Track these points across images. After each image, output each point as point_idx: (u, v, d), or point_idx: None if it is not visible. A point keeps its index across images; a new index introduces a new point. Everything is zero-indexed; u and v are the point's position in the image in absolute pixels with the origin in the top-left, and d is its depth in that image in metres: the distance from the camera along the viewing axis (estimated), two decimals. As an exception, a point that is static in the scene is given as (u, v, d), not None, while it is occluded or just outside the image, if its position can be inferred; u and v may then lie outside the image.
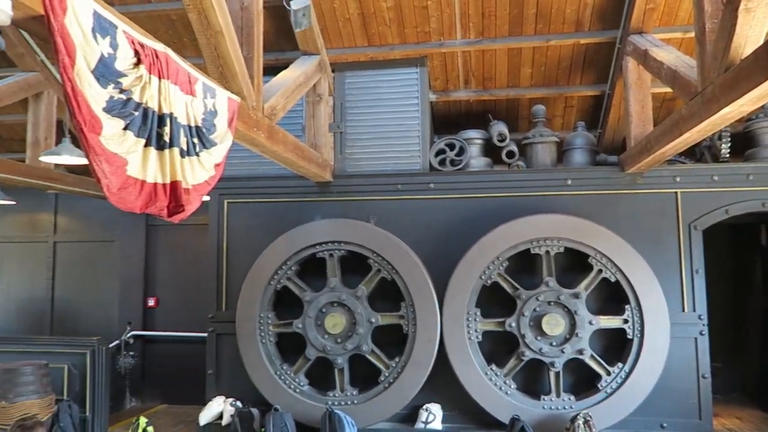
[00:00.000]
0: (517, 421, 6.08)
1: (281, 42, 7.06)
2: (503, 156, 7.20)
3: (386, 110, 7.25)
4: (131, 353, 9.10)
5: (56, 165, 7.25)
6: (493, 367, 6.52)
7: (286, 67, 6.27)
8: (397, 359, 6.64)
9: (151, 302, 9.47)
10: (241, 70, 4.23)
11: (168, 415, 8.61)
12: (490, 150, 7.46)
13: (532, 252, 6.51)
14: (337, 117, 7.31)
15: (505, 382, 6.48)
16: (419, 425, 6.61)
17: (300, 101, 6.68)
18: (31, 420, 3.76)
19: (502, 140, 7.20)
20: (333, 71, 7.28)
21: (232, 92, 4.06)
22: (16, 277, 10.04)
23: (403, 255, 6.64)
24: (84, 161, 5.91)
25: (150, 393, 9.38)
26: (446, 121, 8.35)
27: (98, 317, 9.69)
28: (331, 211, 7.13)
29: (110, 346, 8.13)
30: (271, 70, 5.87)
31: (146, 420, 6.70)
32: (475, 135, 7.41)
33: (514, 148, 7.20)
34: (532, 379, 6.73)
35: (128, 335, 9.14)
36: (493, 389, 6.43)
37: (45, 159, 6.14)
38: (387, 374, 6.65)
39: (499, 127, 7.31)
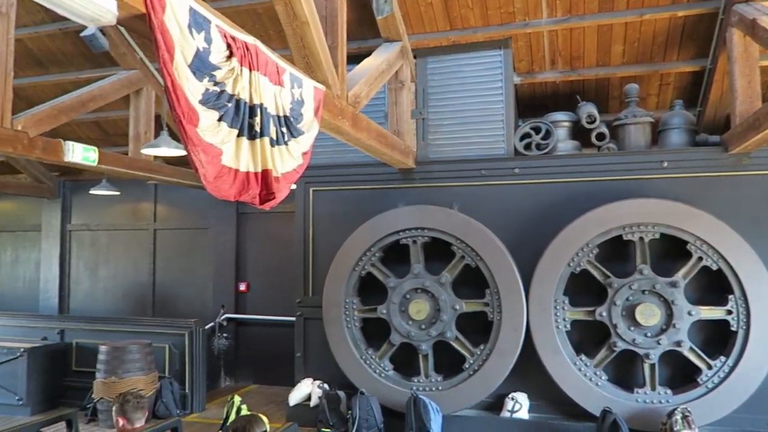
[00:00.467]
0: (608, 413, 5.86)
1: (363, 30, 7.09)
2: (593, 138, 6.90)
3: (469, 95, 7.13)
4: (225, 335, 9.56)
5: (155, 157, 7.70)
6: (583, 357, 6.31)
7: (368, 55, 6.30)
8: (481, 347, 6.58)
9: (242, 287, 9.90)
10: (326, 60, 4.28)
11: (259, 395, 8.99)
12: (579, 133, 7.17)
13: (625, 238, 6.22)
14: (420, 103, 7.27)
15: (595, 373, 6.26)
16: (505, 414, 6.53)
17: (382, 88, 6.70)
18: (135, 394, 4.02)
19: (592, 122, 6.89)
20: (415, 57, 7.24)
21: (317, 81, 4.13)
22: (122, 262, 10.80)
23: (487, 241, 6.54)
24: (180, 152, 6.25)
25: (242, 373, 9.83)
26: (531, 103, 8.10)
27: (194, 300, 10.25)
28: (414, 197, 7.13)
29: (206, 328, 8.59)
30: (354, 59, 5.92)
31: (240, 399, 7.01)
32: (562, 117, 7.14)
33: (604, 129, 6.87)
34: (625, 371, 6.45)
35: (222, 318, 9.61)
36: (582, 380, 6.23)
37: (145, 151, 6.54)
38: (471, 362, 6.60)
39: (588, 108, 7.00)
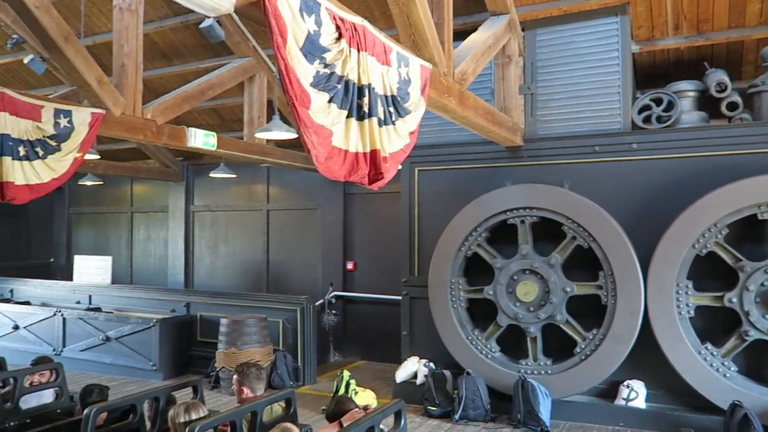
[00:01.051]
0: (738, 407, 5.42)
1: (469, 5, 6.92)
2: (723, 108, 6.31)
3: (581, 66, 6.76)
4: (333, 312, 9.90)
5: (268, 140, 8.05)
6: (709, 346, 5.86)
7: (474, 30, 6.14)
8: (594, 331, 6.30)
9: (349, 265, 10.17)
10: (432, 37, 4.23)
11: (367, 371, 9.24)
12: (706, 103, 6.58)
13: (760, 218, 5.66)
14: (528, 78, 7.01)
15: (723, 364, 5.80)
16: (620, 402, 6.24)
17: (489, 64, 6.52)
18: (256, 365, 4.25)
19: (722, 90, 6.29)
20: (523, 30, 6.96)
21: (423, 59, 4.09)
22: (239, 241, 11.48)
23: (601, 221, 6.22)
24: (291, 135, 6.48)
25: (350, 349, 10.14)
26: (651, 73, 7.54)
27: (305, 278, 10.69)
28: (522, 176, 6.92)
29: (316, 304, 8.93)
30: (459, 35, 5.79)
31: (349, 374, 7.26)
32: (687, 87, 6.58)
33: (737, 98, 6.25)
34: (757, 363, 5.92)
35: (330, 295, 9.94)
36: (708, 370, 5.79)
37: (259, 135, 6.86)
38: (583, 346, 6.35)
39: (717, 76, 6.40)
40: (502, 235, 6.85)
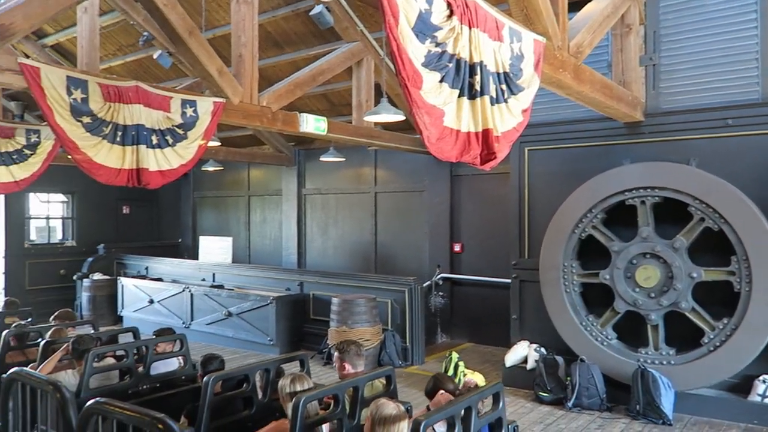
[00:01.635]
0: None
1: (584, -27, 6.53)
2: None
3: (713, 32, 6.18)
4: (441, 293, 9.91)
5: (375, 124, 8.15)
6: None
7: (590, 0, 5.79)
8: (725, 320, 5.82)
9: (456, 248, 10.12)
10: (545, 9, 4.04)
11: (474, 353, 9.19)
12: None
13: None
14: (650, 48, 6.52)
15: None
16: (754, 398, 5.74)
17: (606, 35, 6.14)
18: (355, 342, 4.35)
19: None
20: (644, -4, 6.48)
21: (537, 33, 3.93)
22: (348, 223, 11.79)
23: (734, 201, 5.70)
24: (398, 118, 6.50)
25: (457, 331, 10.13)
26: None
27: (412, 259, 10.78)
28: (642, 153, 6.48)
29: (423, 286, 8.98)
30: (574, 6, 5.47)
31: (457, 355, 7.25)
32: (841, 49, 5.82)
33: None
34: None
35: (438, 277, 9.96)
36: None
37: (367, 119, 6.95)
38: (712, 336, 5.89)
39: None
40: (620, 217, 6.48)
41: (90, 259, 12.55)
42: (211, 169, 12.41)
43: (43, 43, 10.53)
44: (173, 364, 5.19)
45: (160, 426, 2.32)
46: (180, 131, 5.57)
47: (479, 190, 9.87)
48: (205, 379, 3.71)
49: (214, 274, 11.01)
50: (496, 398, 3.23)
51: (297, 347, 9.31)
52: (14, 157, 7.24)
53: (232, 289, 10.17)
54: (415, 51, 2.79)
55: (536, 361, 6.94)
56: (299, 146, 12.11)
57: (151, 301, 10.86)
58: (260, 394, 4.04)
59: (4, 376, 3.56)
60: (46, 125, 7.40)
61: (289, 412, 3.29)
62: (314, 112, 7.50)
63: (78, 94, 4.72)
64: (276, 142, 11.81)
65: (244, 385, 3.94)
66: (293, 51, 9.15)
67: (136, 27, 8.54)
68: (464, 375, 7.19)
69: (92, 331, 5.92)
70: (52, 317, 6.32)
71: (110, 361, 5.02)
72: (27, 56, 4.70)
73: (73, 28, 9.30)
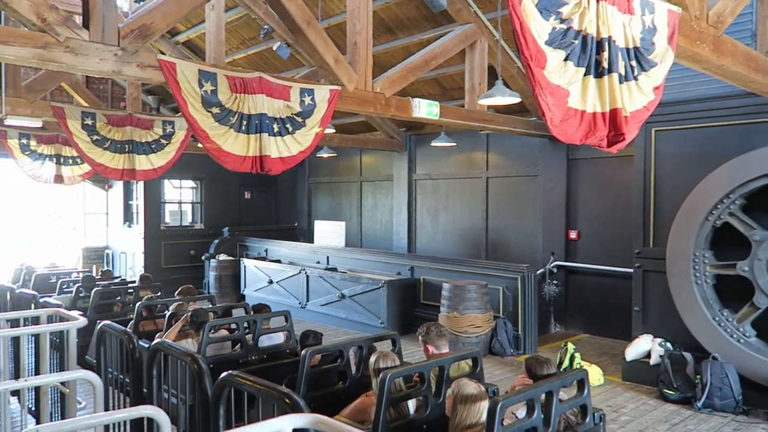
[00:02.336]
0: None
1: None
2: None
3: None
4: (555, 282, 9.58)
5: (488, 107, 7.97)
6: None
7: (731, -37, 5.24)
8: None
9: (572, 234, 9.71)
10: (681, -24, 3.71)
11: (590, 345, 8.81)
12: None
13: None
14: (803, 13, 5.80)
15: None
16: None
17: (750, 1, 5.53)
18: (437, 324, 4.42)
19: None
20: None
21: (671, 3, 3.61)
22: (458, 208, 11.69)
23: None
24: (513, 100, 6.31)
25: (572, 321, 9.76)
26: None
27: (524, 246, 10.49)
28: (792, 133, 5.82)
29: (537, 273, 8.73)
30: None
31: (573, 346, 6.99)
32: None
33: None
34: None
35: (552, 265, 9.63)
36: None
37: (482, 102, 6.80)
38: None
39: None
40: (762, 203, 5.88)
41: (216, 240, 13.49)
42: (325, 155, 12.81)
43: (175, 40, 11.37)
44: (279, 338, 5.56)
45: (287, 401, 2.44)
46: (299, 119, 5.77)
47: (598, 174, 9.37)
48: (302, 352, 3.94)
49: (328, 257, 11.41)
50: (581, 385, 3.21)
51: (407, 331, 9.41)
52: (152, 146, 7.92)
53: (345, 272, 10.48)
54: (539, 29, 2.67)
55: (661, 356, 6.52)
56: (410, 132, 12.16)
57: (270, 282, 11.48)
58: (354, 370, 4.24)
59: (141, 344, 3.94)
60: (180, 116, 8.04)
61: (376, 387, 3.44)
62: (426, 97, 7.49)
63: (208, 87, 5.03)
64: (387, 128, 11.94)
65: (339, 360, 4.15)
66: (406, 36, 9.16)
67: (257, 20, 8.96)
68: (579, 368, 6.93)
69: (210, 306, 6.48)
70: (177, 292, 6.98)
71: (224, 332, 5.49)
72: (162, 53, 5.07)
73: (202, 25, 9.95)
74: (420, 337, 4.38)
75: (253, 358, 5.14)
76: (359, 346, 4.28)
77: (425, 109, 6.89)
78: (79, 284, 8.09)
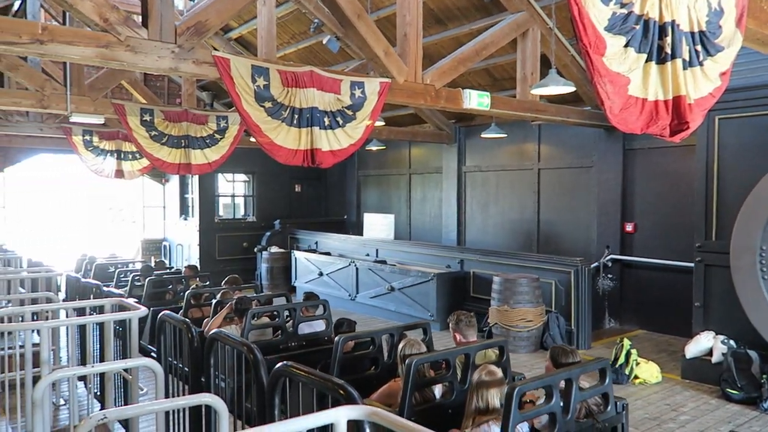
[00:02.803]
0: None
1: None
2: None
3: None
4: (610, 276, 9.32)
5: (540, 97, 7.79)
6: None
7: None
8: None
9: (628, 227, 9.41)
10: (751, -45, 3.51)
11: (648, 341, 8.54)
12: None
13: None
14: None
15: None
16: None
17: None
18: (466, 314, 4.43)
19: None
20: None
21: (739, -16, 3.43)
22: (509, 200, 11.52)
23: None
24: (568, 89, 6.15)
25: (627, 317, 9.48)
26: None
27: (577, 239, 10.25)
28: None
29: (591, 267, 8.51)
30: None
31: (630, 342, 6.79)
32: None
33: None
34: None
35: (606, 258, 9.37)
36: None
37: (535, 91, 6.66)
38: None
39: None
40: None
41: (268, 233, 13.76)
42: (374, 148, 12.84)
43: (228, 36, 11.61)
44: (320, 325, 5.76)
45: (341, 392, 2.46)
46: (349, 112, 5.80)
47: (657, 164, 9.04)
48: (336, 339, 4.15)
49: (377, 250, 11.45)
50: (602, 374, 3.28)
51: (457, 324, 9.35)
52: (207, 141, 8.14)
53: (395, 265, 10.49)
54: (598, 14, 2.58)
55: (723, 354, 6.26)
56: (459, 123, 12.04)
57: (321, 274, 11.62)
58: (386, 356, 4.39)
59: (194, 330, 4.07)
60: (233, 111, 8.22)
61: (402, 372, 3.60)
62: (476, 88, 7.39)
63: (261, 81, 5.11)
64: (437, 119, 11.86)
65: (371, 347, 4.33)
66: (455, 27, 9.06)
67: (307, 15, 9.04)
68: (637, 364, 6.74)
69: (254, 294, 6.80)
70: (223, 282, 7.26)
71: (266, 320, 5.76)
72: (215, 50, 5.19)
73: (253, 21, 10.13)
74: (450, 325, 4.51)
75: (293, 344, 5.37)
76: (391, 334, 4.45)
77: (476, 100, 6.79)
78: (136, 274, 8.43)
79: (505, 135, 10.76)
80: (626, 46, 2.74)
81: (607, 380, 3.26)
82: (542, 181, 10.83)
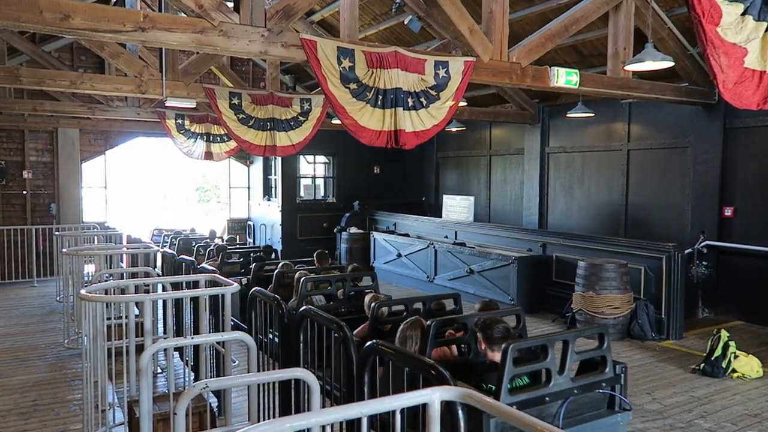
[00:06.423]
0: None
1: None
2: None
3: None
4: (704, 263, 8.78)
5: (633, 73, 7.39)
6: None
7: None
8: None
9: (727, 212, 8.81)
10: None
11: (747, 333, 8.01)
12: None
13: None
14: None
15: None
16: None
17: None
18: (497, 320, 3.88)
19: None
20: None
21: None
22: (595, 182, 11.07)
23: None
24: (667, 64, 5.77)
25: (724, 307, 8.91)
26: None
27: (669, 223, 9.73)
28: None
29: (684, 253, 8.06)
30: None
31: (728, 334, 6.40)
32: None
33: None
34: None
35: (701, 245, 8.83)
36: None
37: (630, 67, 6.29)
38: None
39: None
40: None
41: (347, 214, 13.98)
42: (453, 129, 12.69)
43: (311, 20, 11.76)
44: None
45: (432, 372, 2.46)
46: (433, 92, 5.74)
47: (763, 144, 8.38)
48: (372, 304, 4.79)
49: (456, 232, 11.37)
50: (601, 338, 3.50)
51: (538, 309, 9.17)
52: (291, 123, 8.34)
53: (474, 247, 10.38)
54: (713, -19, 2.39)
55: (837, 350, 5.77)
56: (543, 103, 11.65)
57: (399, 255, 11.69)
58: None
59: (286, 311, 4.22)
60: (316, 93, 8.35)
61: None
62: (563, 65, 7.09)
63: (346, 63, 5.15)
64: (520, 99, 11.53)
65: (405, 314, 4.74)
66: (542, 2, 8.73)
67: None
68: (735, 357, 6.34)
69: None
70: (315, 254, 8.02)
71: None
72: (298, 33, 5.27)
73: (335, 4, 10.20)
74: (477, 329, 3.89)
75: (343, 309, 5.82)
76: (423, 302, 4.93)
77: (564, 78, 6.55)
78: (212, 248, 9.42)
79: (593, 114, 10.32)
80: (744, 14, 2.52)
81: (605, 344, 3.47)
82: (632, 162, 10.32)
